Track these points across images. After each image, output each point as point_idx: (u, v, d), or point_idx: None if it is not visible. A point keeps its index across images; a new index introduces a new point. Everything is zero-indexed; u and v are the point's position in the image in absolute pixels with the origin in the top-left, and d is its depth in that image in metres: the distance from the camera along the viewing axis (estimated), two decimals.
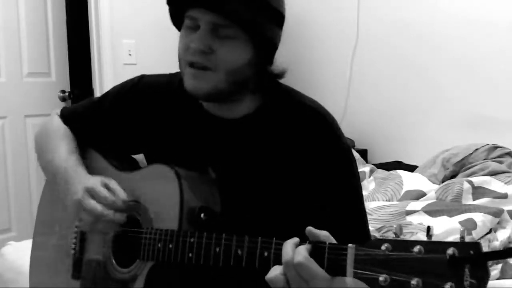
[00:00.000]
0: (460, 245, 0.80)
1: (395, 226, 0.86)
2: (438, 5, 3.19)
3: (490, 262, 0.96)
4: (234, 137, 1.24)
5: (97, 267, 1.27)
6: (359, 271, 0.87)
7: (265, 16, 1.14)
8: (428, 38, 3.24)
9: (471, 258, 0.78)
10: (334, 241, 0.96)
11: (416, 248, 0.82)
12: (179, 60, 1.19)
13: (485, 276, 0.78)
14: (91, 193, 1.21)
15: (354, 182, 1.22)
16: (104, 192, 1.21)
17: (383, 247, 0.84)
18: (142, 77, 1.38)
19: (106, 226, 1.24)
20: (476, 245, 0.79)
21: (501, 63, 2.96)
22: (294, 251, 0.94)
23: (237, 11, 1.10)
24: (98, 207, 1.20)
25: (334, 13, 3.65)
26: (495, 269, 1.85)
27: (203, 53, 1.13)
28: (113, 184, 1.23)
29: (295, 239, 0.97)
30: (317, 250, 0.94)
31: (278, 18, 1.18)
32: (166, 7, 1.22)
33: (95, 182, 1.23)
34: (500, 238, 2.01)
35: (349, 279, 0.90)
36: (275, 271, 0.95)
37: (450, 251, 0.79)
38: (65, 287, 1.33)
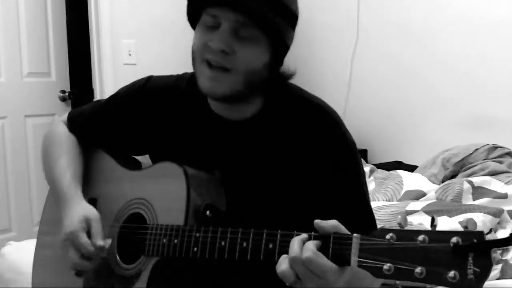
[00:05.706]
0: (464, 234, 0.81)
1: (399, 217, 0.86)
2: (438, 5, 3.19)
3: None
4: (240, 138, 1.25)
5: (101, 264, 1.27)
6: (363, 260, 0.87)
7: (284, 18, 1.15)
8: (428, 38, 3.24)
9: (474, 247, 0.79)
10: (343, 230, 0.96)
11: (421, 237, 0.82)
12: (194, 58, 1.19)
13: (489, 265, 0.78)
14: (71, 238, 1.23)
15: (358, 176, 1.22)
16: (82, 241, 1.22)
17: (387, 237, 0.85)
18: (149, 78, 1.38)
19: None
20: (479, 234, 0.80)
21: (501, 63, 2.97)
22: (301, 247, 0.94)
23: (261, 12, 1.11)
24: (75, 258, 1.23)
25: (334, 13, 3.66)
26: (495, 269, 1.84)
27: (224, 54, 1.13)
28: (94, 227, 1.24)
29: (303, 236, 0.96)
30: (324, 244, 0.94)
31: (293, 20, 1.18)
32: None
33: (76, 228, 1.23)
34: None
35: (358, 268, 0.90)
36: (285, 264, 0.94)
37: (454, 240, 0.80)
38: (69, 284, 1.33)
